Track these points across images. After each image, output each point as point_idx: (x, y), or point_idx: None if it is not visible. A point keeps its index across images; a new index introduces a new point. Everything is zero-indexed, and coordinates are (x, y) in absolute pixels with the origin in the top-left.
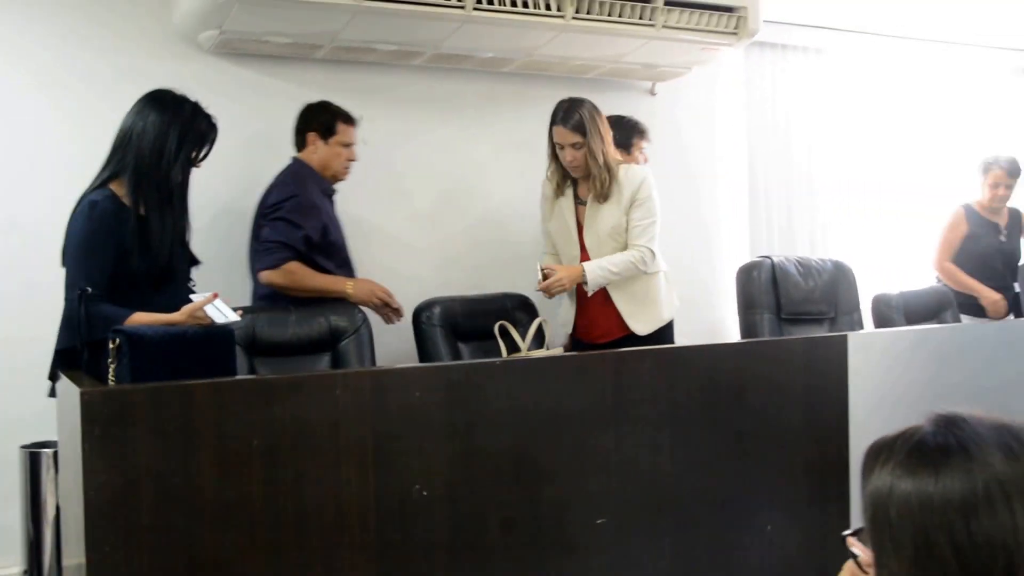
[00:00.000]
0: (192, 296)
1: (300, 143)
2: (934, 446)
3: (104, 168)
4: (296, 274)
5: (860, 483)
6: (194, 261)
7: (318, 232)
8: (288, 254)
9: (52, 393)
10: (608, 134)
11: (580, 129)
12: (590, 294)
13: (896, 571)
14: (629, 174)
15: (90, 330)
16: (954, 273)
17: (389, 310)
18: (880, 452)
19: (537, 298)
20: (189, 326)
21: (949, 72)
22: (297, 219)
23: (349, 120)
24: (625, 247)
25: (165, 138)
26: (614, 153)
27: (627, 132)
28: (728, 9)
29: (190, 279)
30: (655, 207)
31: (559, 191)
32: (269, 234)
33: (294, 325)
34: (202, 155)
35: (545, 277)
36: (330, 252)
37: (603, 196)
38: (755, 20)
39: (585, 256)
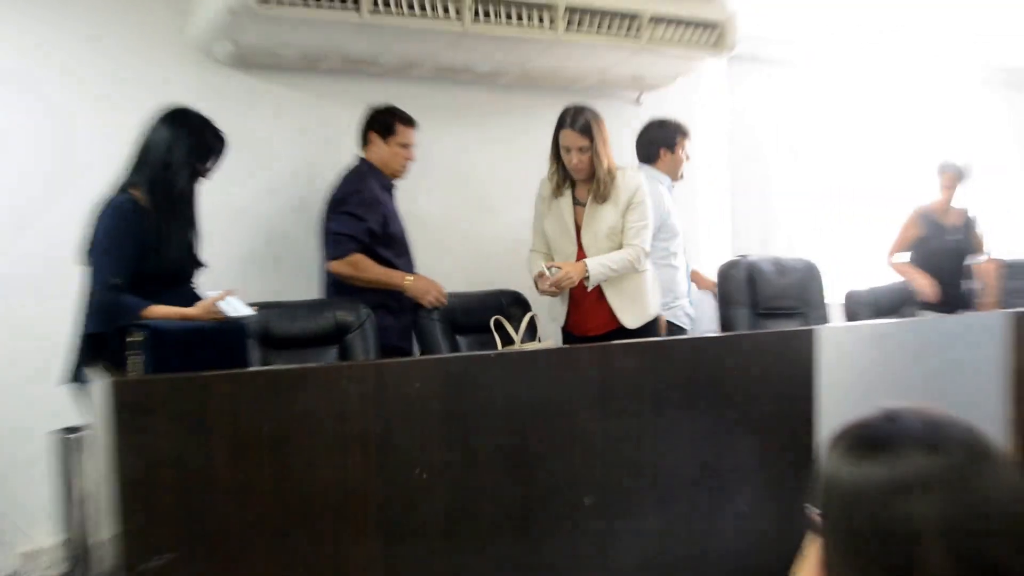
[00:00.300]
0: (208, 293)
1: (364, 142)
2: (870, 437)
3: (125, 175)
4: (359, 265)
5: None
6: (199, 264)
7: (379, 224)
8: (353, 245)
9: (74, 378)
10: (608, 139)
11: (587, 133)
12: (589, 289)
13: (833, 548)
14: (626, 178)
15: (116, 318)
16: (898, 267)
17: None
18: (833, 439)
19: (530, 294)
20: (205, 321)
21: (919, 83)
22: (361, 212)
23: (409, 122)
24: (619, 247)
25: (172, 151)
26: (613, 157)
27: (671, 132)
28: (709, 25)
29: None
30: (648, 211)
31: (558, 191)
32: (336, 227)
33: (303, 320)
34: (209, 166)
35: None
36: (390, 243)
37: (602, 198)
38: (734, 35)
39: (582, 254)
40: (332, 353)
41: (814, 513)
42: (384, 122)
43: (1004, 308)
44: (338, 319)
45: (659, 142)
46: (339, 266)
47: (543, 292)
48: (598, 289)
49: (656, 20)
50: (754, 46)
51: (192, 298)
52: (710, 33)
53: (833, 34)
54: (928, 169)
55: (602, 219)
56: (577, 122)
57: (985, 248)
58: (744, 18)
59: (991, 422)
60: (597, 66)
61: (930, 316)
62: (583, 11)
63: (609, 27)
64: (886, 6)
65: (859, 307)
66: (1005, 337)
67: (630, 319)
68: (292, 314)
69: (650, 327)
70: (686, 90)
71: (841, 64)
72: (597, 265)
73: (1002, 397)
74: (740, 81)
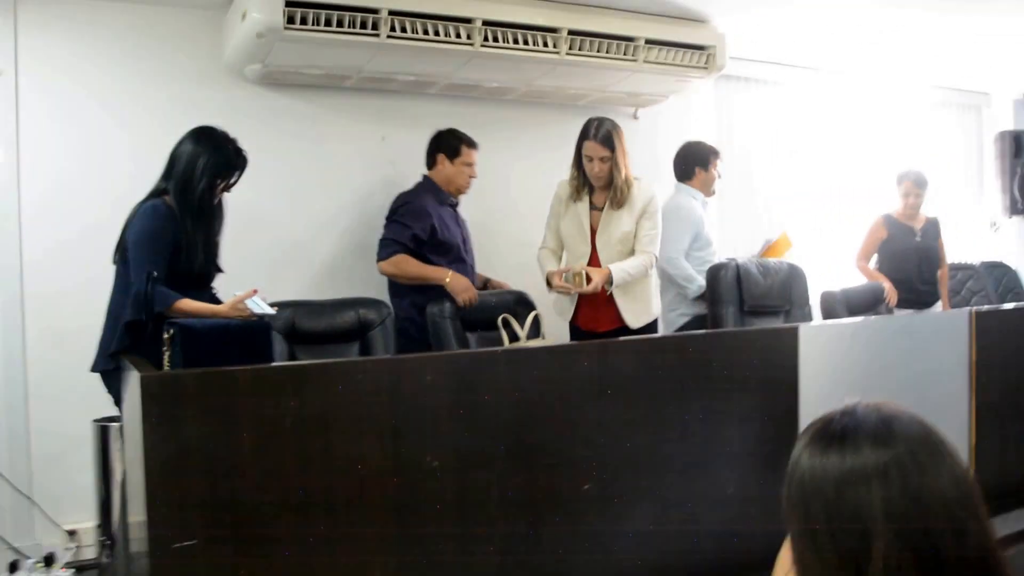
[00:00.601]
0: (235, 292)
1: (431, 163)
2: (829, 430)
3: (157, 185)
4: (401, 265)
5: None
6: (219, 269)
7: (426, 232)
8: (397, 248)
9: (106, 365)
10: (627, 151)
11: (609, 144)
12: (608, 292)
13: (794, 531)
14: (641, 188)
15: (152, 305)
16: (865, 270)
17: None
18: (803, 431)
19: (535, 293)
20: (232, 319)
21: (883, 103)
22: (408, 221)
23: (472, 144)
24: (630, 251)
25: (194, 166)
26: (630, 168)
27: (705, 153)
28: (700, 47)
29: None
30: (660, 220)
31: (577, 196)
32: (385, 233)
33: (328, 317)
34: (232, 181)
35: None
36: (441, 250)
37: (619, 204)
38: (723, 57)
39: (595, 256)
40: (355, 348)
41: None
42: (451, 144)
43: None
44: (361, 317)
45: (694, 161)
46: (384, 266)
47: (557, 288)
48: (609, 294)
49: (651, 43)
50: (741, 67)
51: (212, 300)
52: (701, 55)
53: (811, 57)
54: (891, 179)
55: (617, 225)
56: (600, 134)
57: (944, 254)
58: (732, 41)
59: (955, 411)
60: (597, 84)
61: (901, 314)
62: (584, 35)
63: (608, 49)
64: (856, 35)
65: (835, 306)
66: (967, 334)
67: (633, 319)
68: (319, 311)
69: (651, 327)
70: (679, 106)
71: (819, 84)
72: (620, 272)
73: (965, 388)
74: (728, 98)
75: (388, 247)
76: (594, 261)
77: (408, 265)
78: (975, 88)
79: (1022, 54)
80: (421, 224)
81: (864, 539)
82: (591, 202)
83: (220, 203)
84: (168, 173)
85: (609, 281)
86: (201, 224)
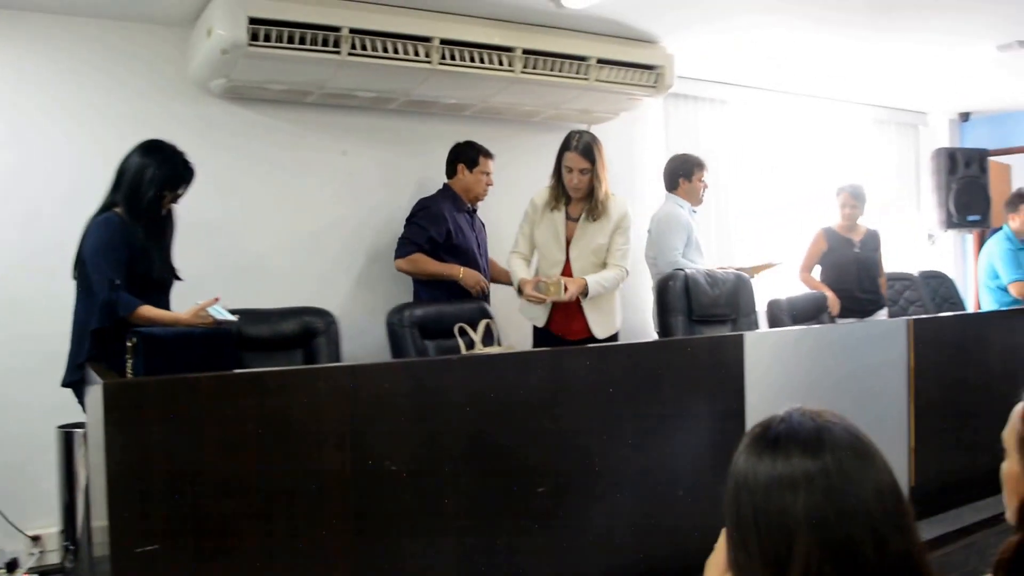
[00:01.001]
0: (196, 300)
1: (451, 172)
2: (765, 436)
3: (107, 198)
4: (418, 262)
5: None
6: (176, 277)
7: (442, 235)
8: (413, 248)
9: (75, 378)
10: (607, 164)
11: (589, 157)
12: (583, 303)
13: (730, 539)
14: (616, 203)
15: (116, 311)
16: (808, 280)
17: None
18: (746, 434)
19: (497, 297)
20: (196, 327)
21: (825, 121)
22: (425, 224)
23: (489, 155)
24: (602, 264)
25: (142, 177)
26: (608, 182)
27: (688, 165)
28: (649, 67)
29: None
30: (632, 235)
31: (555, 205)
32: (404, 233)
33: (274, 324)
34: (180, 192)
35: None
36: (456, 253)
37: (595, 217)
38: (671, 76)
39: (568, 265)
40: (299, 355)
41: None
42: (469, 155)
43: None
44: (306, 324)
45: (678, 173)
46: (400, 263)
47: (527, 297)
48: (578, 302)
49: (602, 62)
50: (689, 86)
51: (165, 306)
52: (650, 74)
53: (757, 77)
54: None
55: (592, 237)
56: (580, 145)
57: (882, 264)
58: (680, 62)
59: (895, 415)
60: (551, 101)
61: (843, 323)
62: (538, 54)
63: (561, 68)
64: (800, 56)
65: (780, 314)
66: (905, 341)
67: (600, 330)
68: (264, 319)
69: (614, 339)
70: (629, 123)
71: (763, 103)
72: (595, 284)
73: (904, 393)
74: (677, 116)
75: (405, 246)
76: (567, 270)
77: (423, 263)
78: (913, 108)
79: (957, 76)
80: (437, 228)
81: (787, 543)
82: (567, 212)
83: (170, 213)
84: (117, 185)
85: (584, 292)
86: (153, 233)
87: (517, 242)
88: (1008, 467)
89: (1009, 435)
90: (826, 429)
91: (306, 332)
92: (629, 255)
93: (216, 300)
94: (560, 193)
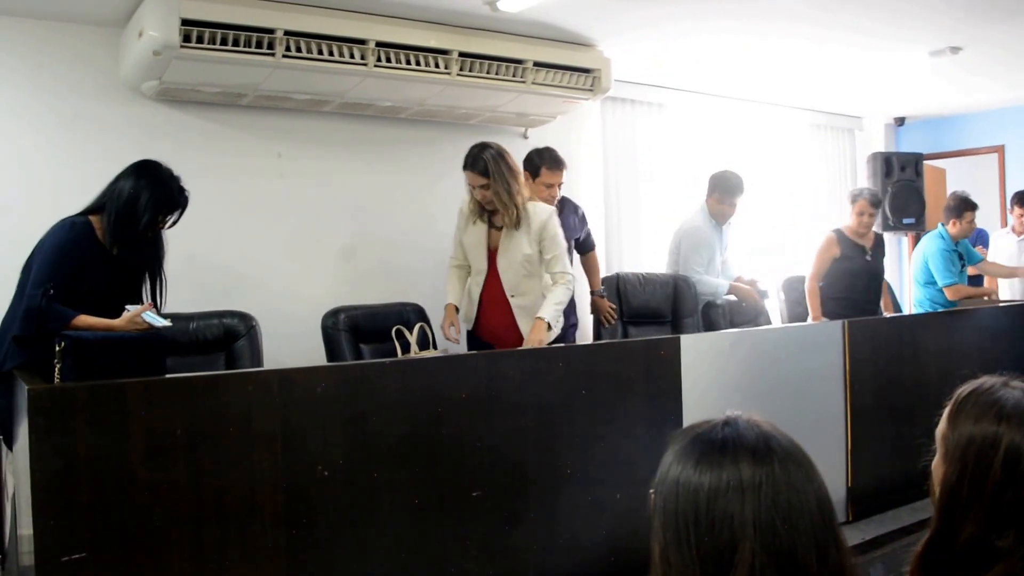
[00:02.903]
0: (128, 307)
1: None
2: (704, 441)
3: (89, 206)
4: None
5: None
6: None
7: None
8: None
9: None
10: (515, 173)
11: (485, 173)
12: (556, 330)
13: (661, 540)
14: (536, 211)
15: (47, 322)
16: (814, 293)
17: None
18: (674, 438)
19: (428, 304)
20: (128, 331)
21: (762, 125)
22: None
23: (555, 165)
24: (533, 272)
25: (137, 200)
26: (521, 190)
27: (720, 186)
28: (585, 70)
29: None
30: (561, 238)
31: (478, 216)
32: None
33: (193, 327)
34: (173, 219)
35: None
36: None
37: (515, 226)
38: (608, 79)
39: (494, 273)
40: (220, 359)
41: (652, 497)
42: (533, 164)
43: None
44: (225, 327)
45: (713, 188)
46: None
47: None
48: (510, 314)
49: (539, 66)
50: (626, 89)
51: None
52: (587, 78)
53: (694, 81)
54: (766, 195)
55: (517, 247)
56: (477, 164)
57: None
58: (617, 65)
59: (831, 416)
60: (487, 104)
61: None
62: (474, 57)
63: (497, 71)
64: (737, 61)
65: (716, 317)
66: (840, 343)
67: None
68: (184, 321)
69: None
70: (567, 126)
71: (700, 106)
72: (551, 312)
73: (840, 395)
74: (614, 119)
75: None
76: (492, 279)
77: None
78: (849, 112)
79: (891, 81)
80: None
81: (731, 546)
82: (491, 221)
83: (160, 237)
84: (107, 201)
85: (548, 328)
86: (134, 257)
87: (455, 252)
88: (935, 464)
89: (939, 433)
90: (772, 437)
91: (226, 335)
92: (565, 258)
93: (150, 306)
94: (477, 204)
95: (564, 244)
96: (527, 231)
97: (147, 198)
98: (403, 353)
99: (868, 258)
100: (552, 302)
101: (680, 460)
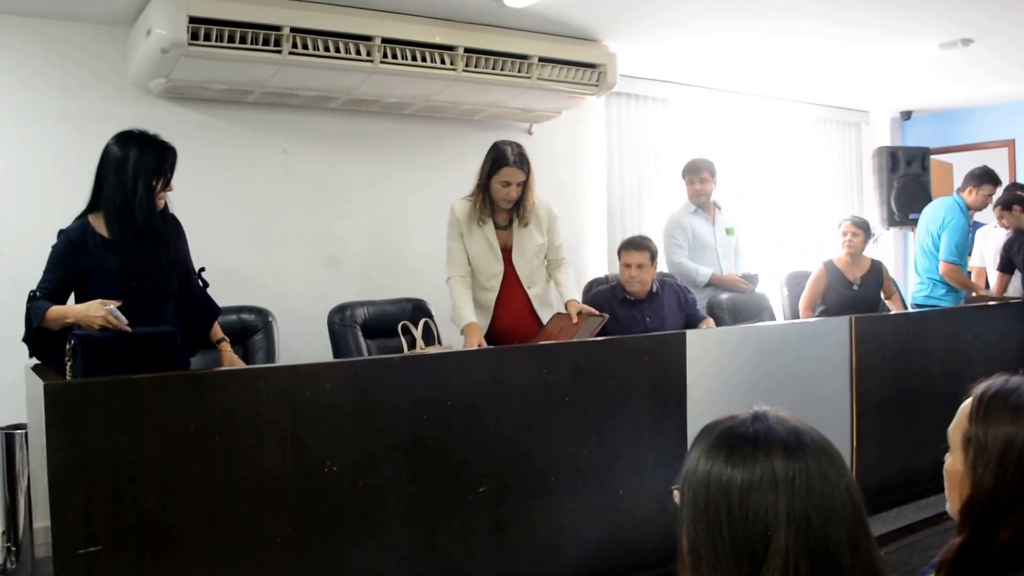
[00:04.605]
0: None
1: None
2: (735, 435)
3: (87, 203)
4: None
5: None
6: (181, 278)
7: None
8: None
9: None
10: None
11: (527, 168)
12: (534, 304)
13: (692, 533)
14: (540, 201)
15: (30, 323)
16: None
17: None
18: (702, 433)
19: (433, 301)
20: (136, 329)
21: (767, 119)
22: None
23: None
24: (542, 262)
25: (124, 172)
26: None
27: (686, 170)
28: (591, 66)
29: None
30: (561, 227)
31: (480, 219)
32: None
33: None
34: (164, 181)
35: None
36: None
37: (527, 222)
38: (613, 75)
39: (512, 272)
40: (239, 353)
41: (677, 494)
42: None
43: None
44: (243, 322)
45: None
46: None
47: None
48: (526, 302)
49: (544, 61)
50: (631, 84)
51: (171, 313)
52: (592, 73)
53: (698, 76)
54: (774, 191)
55: (530, 240)
56: (524, 163)
57: (893, 291)
58: (622, 60)
59: (837, 413)
60: (493, 100)
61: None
62: (480, 52)
63: (503, 67)
64: (742, 56)
65: (721, 313)
66: (847, 339)
67: None
68: None
69: None
70: (571, 122)
71: (704, 101)
72: (575, 293)
73: (847, 391)
74: (619, 114)
75: None
76: (510, 277)
77: None
78: (855, 106)
79: (899, 75)
80: None
81: (764, 541)
82: (495, 221)
83: (176, 222)
84: (95, 190)
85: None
86: (142, 237)
87: (453, 263)
88: (951, 464)
89: (954, 432)
90: (803, 431)
91: (243, 330)
92: (564, 245)
93: (118, 303)
94: (485, 206)
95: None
96: (537, 223)
97: (134, 164)
98: (409, 348)
99: (855, 288)
100: (575, 283)
101: (710, 455)
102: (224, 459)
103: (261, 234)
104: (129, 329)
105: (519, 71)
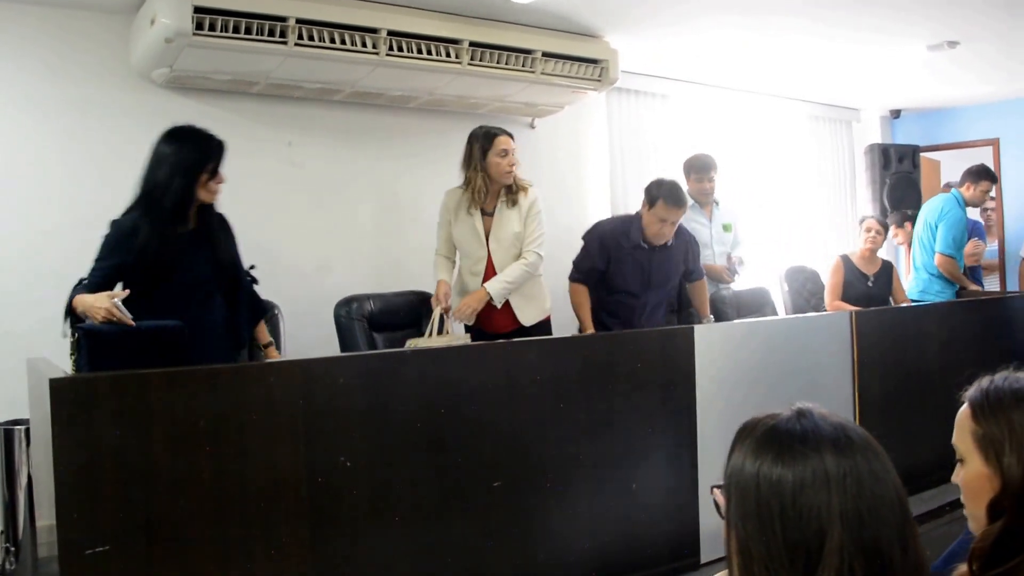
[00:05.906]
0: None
1: None
2: (782, 433)
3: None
4: None
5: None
6: (229, 276)
7: None
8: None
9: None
10: None
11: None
12: (498, 307)
13: (742, 533)
14: (528, 189)
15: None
16: (840, 308)
17: None
18: (743, 432)
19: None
20: (141, 323)
21: (762, 116)
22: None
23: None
24: (520, 251)
25: (158, 171)
26: None
27: (687, 167)
28: (593, 61)
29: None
30: (543, 220)
31: (472, 205)
32: None
33: None
34: (211, 168)
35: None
36: None
37: (513, 202)
38: (615, 70)
39: (490, 257)
40: None
41: (720, 495)
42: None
43: None
44: None
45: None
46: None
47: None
48: None
49: (548, 56)
50: (633, 80)
51: (219, 310)
52: (595, 68)
53: (698, 73)
54: (770, 186)
55: (508, 226)
56: (505, 131)
57: (903, 295)
58: (624, 56)
59: (840, 406)
60: (497, 94)
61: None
62: (485, 47)
63: (507, 61)
64: (739, 54)
65: (724, 307)
66: (848, 333)
67: (527, 317)
68: None
69: (544, 324)
70: (574, 116)
71: (703, 97)
72: (498, 287)
73: (849, 384)
74: (620, 110)
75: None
76: (490, 262)
77: None
78: (846, 104)
79: (888, 74)
80: None
81: (819, 539)
82: (483, 209)
83: (223, 220)
84: (142, 186)
85: (488, 299)
86: (178, 232)
87: (441, 244)
88: (970, 471)
89: (961, 440)
90: (848, 428)
91: None
92: (542, 239)
93: (126, 293)
94: (479, 191)
95: (545, 227)
96: (519, 210)
97: (170, 163)
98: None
99: (869, 284)
100: (503, 279)
101: (756, 454)
102: (235, 455)
103: (266, 226)
104: (132, 323)
105: (523, 66)
